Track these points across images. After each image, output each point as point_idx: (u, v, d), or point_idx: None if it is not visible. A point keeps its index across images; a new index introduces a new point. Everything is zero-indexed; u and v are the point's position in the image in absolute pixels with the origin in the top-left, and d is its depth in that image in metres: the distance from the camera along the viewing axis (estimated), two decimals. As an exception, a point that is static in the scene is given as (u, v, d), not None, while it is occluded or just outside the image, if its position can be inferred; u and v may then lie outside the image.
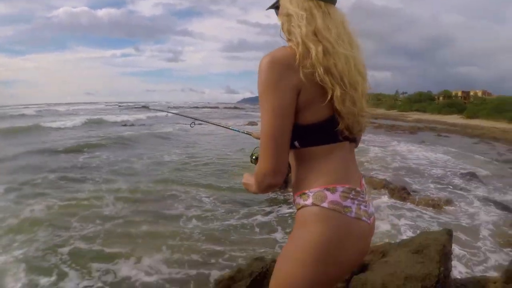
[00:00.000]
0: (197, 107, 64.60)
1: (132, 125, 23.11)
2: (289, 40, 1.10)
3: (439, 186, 7.79)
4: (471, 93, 73.78)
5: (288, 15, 1.10)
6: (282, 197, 6.30)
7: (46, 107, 54.36)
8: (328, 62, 1.03)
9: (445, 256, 2.65)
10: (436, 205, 6.12)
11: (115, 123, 23.79)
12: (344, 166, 1.13)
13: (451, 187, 7.74)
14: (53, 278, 3.47)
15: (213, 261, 3.96)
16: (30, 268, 3.58)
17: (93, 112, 36.70)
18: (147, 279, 3.54)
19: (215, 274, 3.58)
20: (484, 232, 5.01)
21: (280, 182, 1.08)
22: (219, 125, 1.75)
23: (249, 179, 1.27)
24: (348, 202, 1.07)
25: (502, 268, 3.51)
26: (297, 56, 1.02)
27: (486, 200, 6.62)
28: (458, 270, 3.75)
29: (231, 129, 1.65)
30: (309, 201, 1.08)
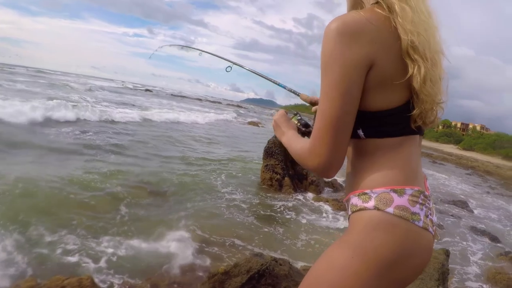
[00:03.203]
0: (200, 99, 63.10)
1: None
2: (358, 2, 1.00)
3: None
4: (470, 126, 74.72)
5: None
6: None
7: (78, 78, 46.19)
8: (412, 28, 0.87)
9: (443, 275, 2.67)
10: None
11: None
12: (413, 164, 0.96)
13: (442, 213, 7.90)
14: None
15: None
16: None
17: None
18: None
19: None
20: (472, 260, 5.13)
21: (332, 177, 0.94)
22: (262, 76, 1.47)
23: (284, 124, 1.14)
24: (416, 208, 0.90)
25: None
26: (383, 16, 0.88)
27: (474, 229, 6.79)
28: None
29: (274, 81, 1.42)
30: (370, 204, 0.90)
